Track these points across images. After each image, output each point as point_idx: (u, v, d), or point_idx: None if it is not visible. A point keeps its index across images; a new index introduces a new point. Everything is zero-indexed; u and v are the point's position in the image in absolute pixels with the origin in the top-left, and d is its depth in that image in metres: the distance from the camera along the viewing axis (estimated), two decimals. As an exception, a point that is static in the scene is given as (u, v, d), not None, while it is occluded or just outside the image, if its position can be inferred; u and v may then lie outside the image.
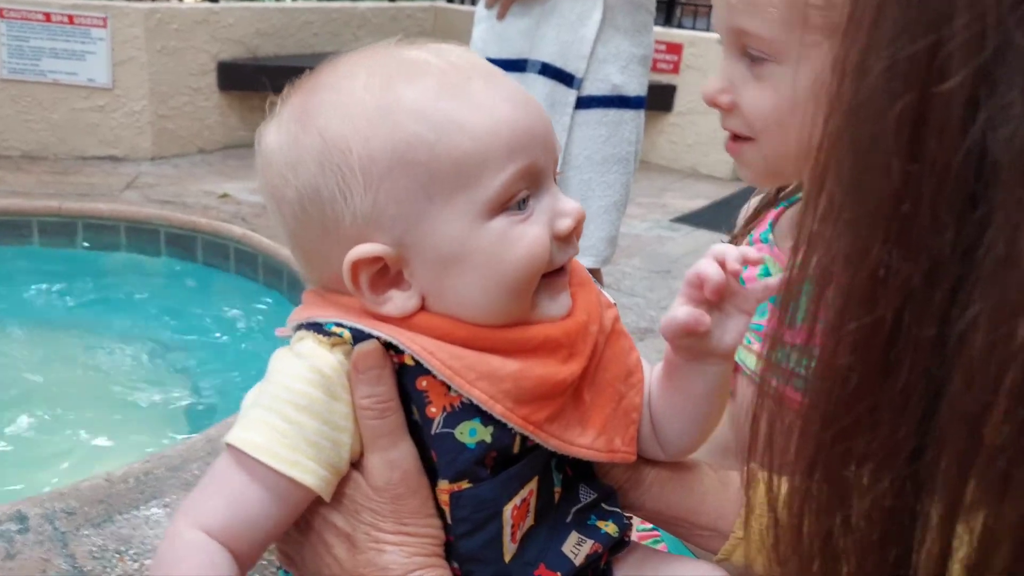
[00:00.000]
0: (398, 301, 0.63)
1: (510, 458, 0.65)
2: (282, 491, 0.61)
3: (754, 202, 1.05)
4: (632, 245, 4.44)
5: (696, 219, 4.99)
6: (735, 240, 1.03)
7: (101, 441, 2.88)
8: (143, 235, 4.16)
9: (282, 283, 3.78)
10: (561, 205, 0.65)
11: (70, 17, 5.07)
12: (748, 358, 0.96)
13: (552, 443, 0.65)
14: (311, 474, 0.61)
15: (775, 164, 0.89)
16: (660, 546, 0.96)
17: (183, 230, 4.13)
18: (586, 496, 0.71)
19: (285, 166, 0.64)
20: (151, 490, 2.28)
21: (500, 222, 0.63)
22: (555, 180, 0.67)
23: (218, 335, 3.62)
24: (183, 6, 5.74)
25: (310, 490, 0.62)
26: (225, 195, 4.73)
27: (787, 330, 0.89)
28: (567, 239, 0.66)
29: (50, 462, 2.72)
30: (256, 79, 5.43)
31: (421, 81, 0.62)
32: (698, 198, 5.41)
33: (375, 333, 0.63)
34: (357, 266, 0.62)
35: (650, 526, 0.93)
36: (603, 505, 0.72)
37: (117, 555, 2.06)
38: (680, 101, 5.96)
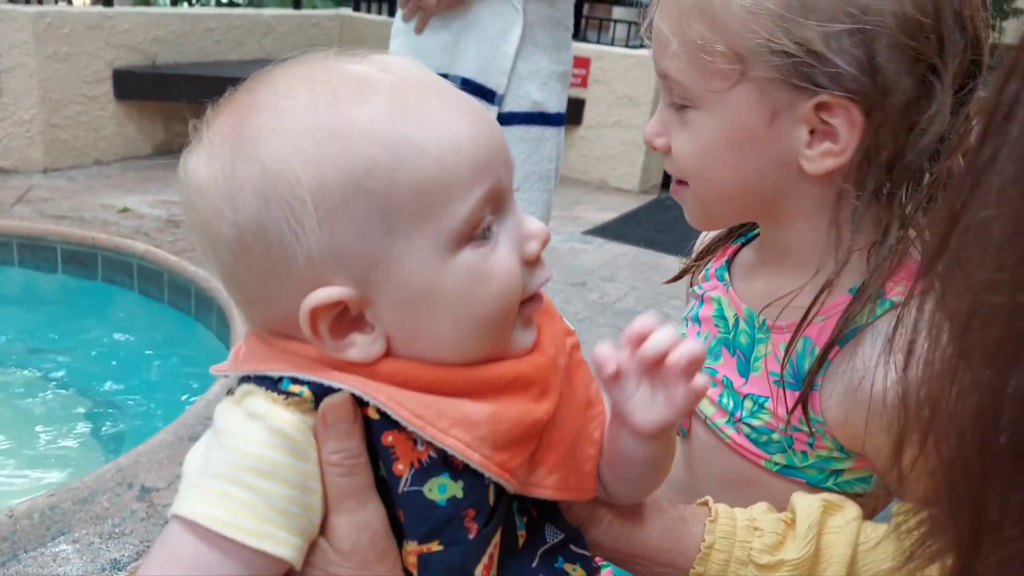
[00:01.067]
0: (362, 346, 0.58)
1: (488, 511, 0.60)
2: (252, 566, 0.55)
3: (713, 233, 1.04)
4: (547, 258, 4.37)
5: (607, 231, 5.07)
6: (687, 270, 1.03)
7: (0, 475, 2.71)
8: (38, 252, 3.94)
9: (190, 301, 3.65)
10: (526, 228, 0.61)
11: (-49, 20, 4.79)
12: (702, 402, 0.94)
13: (524, 489, 0.62)
14: (284, 545, 0.56)
15: (709, 207, 0.90)
16: (606, 572, 0.96)
17: (81, 246, 3.94)
18: (553, 537, 0.67)
19: (220, 199, 0.57)
20: (58, 525, 2.17)
21: (468, 255, 0.58)
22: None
23: (123, 358, 3.45)
24: (74, 10, 5.48)
25: (283, 562, 0.56)
26: (125, 209, 4.54)
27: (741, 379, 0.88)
28: (536, 262, 0.62)
29: (-57, 499, 2.54)
30: (155, 88, 5.26)
31: (371, 99, 0.56)
32: (608, 210, 5.50)
33: (337, 386, 0.57)
34: (316, 313, 0.56)
35: None
36: (571, 547, 0.68)
37: (25, 598, 1.95)
38: (589, 115, 6.05)
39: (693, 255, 1.03)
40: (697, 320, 0.98)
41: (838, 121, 0.78)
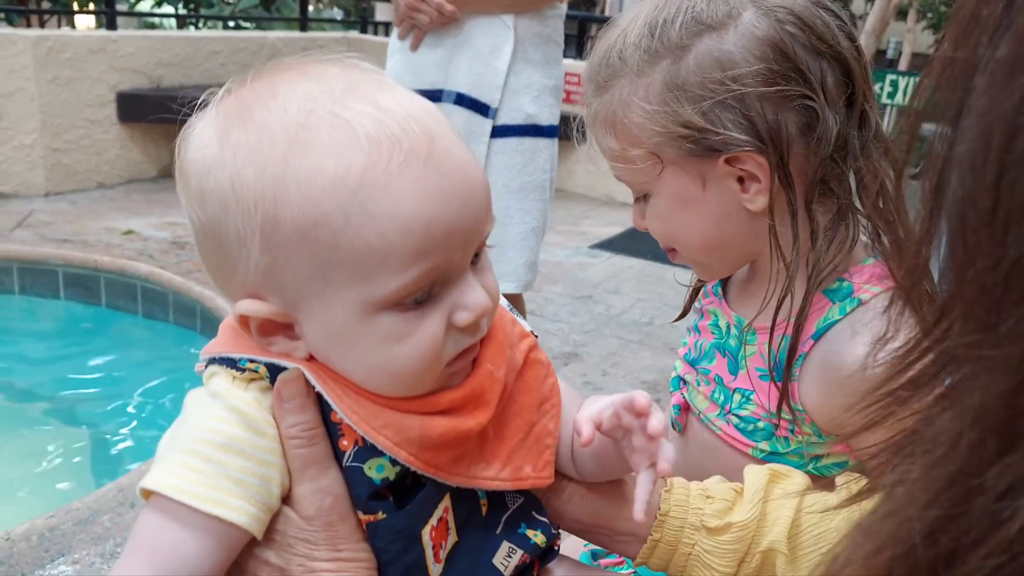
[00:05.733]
0: (284, 347, 0.64)
1: (403, 486, 0.65)
2: (211, 534, 0.60)
3: None
4: (554, 272, 4.44)
5: (614, 245, 5.07)
6: (688, 309, 1.17)
7: (1, 499, 2.66)
8: (39, 276, 3.92)
9: (195, 323, 3.61)
10: (466, 298, 0.62)
11: (-48, 46, 4.80)
12: (697, 398, 1.06)
13: (456, 480, 0.66)
14: (237, 512, 0.60)
15: (699, 263, 1.05)
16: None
17: (84, 270, 3.91)
18: (512, 501, 0.72)
19: (193, 191, 0.62)
20: (57, 547, 2.13)
21: (389, 317, 0.61)
22: (474, 261, 0.65)
23: (126, 380, 3.41)
24: (77, 34, 5.51)
25: (240, 529, 0.60)
26: (129, 232, 4.51)
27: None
28: (467, 329, 0.63)
29: (-59, 524, 2.48)
30: (160, 110, 5.22)
31: (349, 153, 0.58)
32: (614, 224, 5.49)
33: (291, 365, 0.63)
34: (245, 316, 0.62)
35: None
36: (533, 513, 0.73)
37: (22, 623, 1.90)
38: (593, 129, 6.04)
39: (692, 280, 1.18)
40: (697, 330, 1.12)
41: (751, 166, 0.92)
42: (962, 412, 0.32)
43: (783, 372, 0.94)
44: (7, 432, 3.01)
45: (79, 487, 2.72)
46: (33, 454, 2.89)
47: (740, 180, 0.94)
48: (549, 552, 0.74)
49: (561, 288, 4.26)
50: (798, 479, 0.81)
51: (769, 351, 0.96)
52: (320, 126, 0.58)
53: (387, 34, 7.21)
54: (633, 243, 5.06)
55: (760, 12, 0.92)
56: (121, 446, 3.01)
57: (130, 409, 3.21)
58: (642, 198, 1.03)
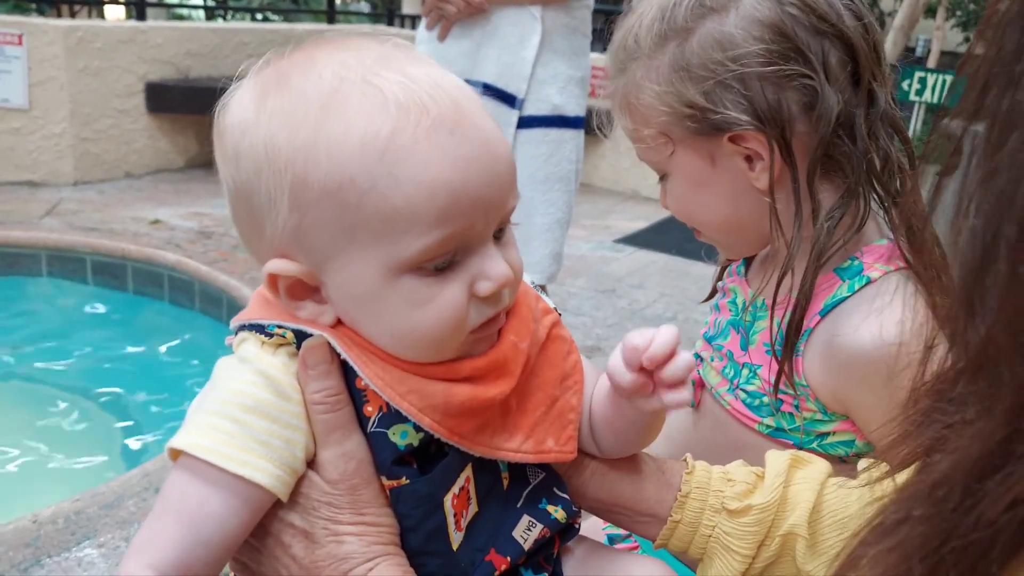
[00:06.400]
0: (313, 311, 0.65)
1: (428, 454, 0.66)
2: (237, 494, 0.61)
3: None
4: (577, 265, 4.43)
5: (638, 239, 5.05)
6: (715, 290, 1.18)
7: (26, 481, 2.70)
8: (67, 264, 3.97)
9: (221, 311, 3.63)
10: (488, 267, 0.63)
11: (-16, 35, 4.85)
12: (710, 374, 1.08)
13: (478, 450, 0.67)
14: (262, 472, 0.61)
15: (719, 242, 1.09)
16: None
17: (111, 258, 3.96)
18: (534, 476, 0.73)
19: (229, 154, 0.64)
20: (83, 530, 2.16)
21: (411, 281, 0.62)
22: (499, 236, 0.66)
23: (152, 368, 3.44)
24: (107, 24, 5.55)
25: (265, 490, 0.62)
26: (156, 221, 4.55)
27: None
28: (489, 299, 0.64)
29: (-31, 506, 2.52)
30: (188, 101, 5.30)
31: (379, 118, 0.60)
32: (639, 219, 5.48)
33: (317, 332, 0.65)
34: (274, 276, 0.64)
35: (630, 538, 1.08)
36: (555, 489, 0.74)
37: (48, 603, 1.92)
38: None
39: (719, 261, 1.21)
40: (717, 308, 1.14)
41: (755, 145, 0.94)
42: (959, 460, 0.35)
43: (784, 347, 0.95)
44: (35, 416, 3.05)
45: (104, 472, 2.75)
46: (60, 438, 2.93)
47: (748, 159, 0.96)
48: (569, 529, 0.75)
49: (584, 282, 4.25)
50: (820, 465, 0.82)
51: (770, 326, 0.97)
52: (351, 92, 0.60)
53: (414, 27, 7.23)
54: (658, 238, 5.05)
55: None
56: (146, 432, 3.04)
57: (156, 396, 3.24)
58: (664, 178, 1.05)
